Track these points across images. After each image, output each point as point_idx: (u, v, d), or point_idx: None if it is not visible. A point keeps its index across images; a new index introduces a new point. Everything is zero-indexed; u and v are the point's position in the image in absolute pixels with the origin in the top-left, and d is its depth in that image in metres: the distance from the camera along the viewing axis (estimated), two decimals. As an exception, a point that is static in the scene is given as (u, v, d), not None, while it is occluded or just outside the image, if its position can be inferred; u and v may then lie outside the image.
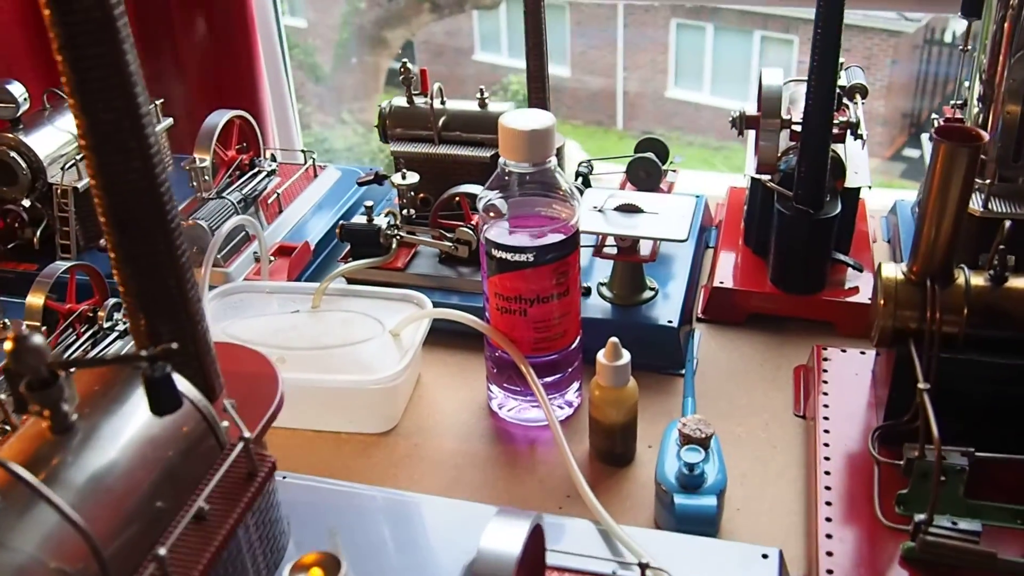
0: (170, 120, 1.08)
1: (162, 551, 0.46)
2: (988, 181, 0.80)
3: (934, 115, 0.90)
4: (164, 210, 0.52)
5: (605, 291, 0.88)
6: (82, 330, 0.82)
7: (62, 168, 0.96)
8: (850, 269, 0.89)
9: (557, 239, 0.71)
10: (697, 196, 1.01)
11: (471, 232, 0.90)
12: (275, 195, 1.03)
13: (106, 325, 0.82)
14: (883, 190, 1.19)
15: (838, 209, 0.84)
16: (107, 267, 0.59)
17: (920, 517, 0.61)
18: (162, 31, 1.26)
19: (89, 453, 0.49)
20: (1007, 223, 0.68)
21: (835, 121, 0.82)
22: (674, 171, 0.98)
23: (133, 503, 0.49)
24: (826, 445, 0.72)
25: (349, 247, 0.93)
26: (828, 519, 0.66)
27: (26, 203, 0.96)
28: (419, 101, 0.98)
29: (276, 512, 0.62)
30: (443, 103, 0.98)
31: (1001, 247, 0.66)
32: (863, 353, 0.81)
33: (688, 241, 0.84)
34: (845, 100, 0.87)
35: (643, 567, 0.58)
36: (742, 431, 0.78)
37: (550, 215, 0.73)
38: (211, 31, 1.24)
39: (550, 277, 0.72)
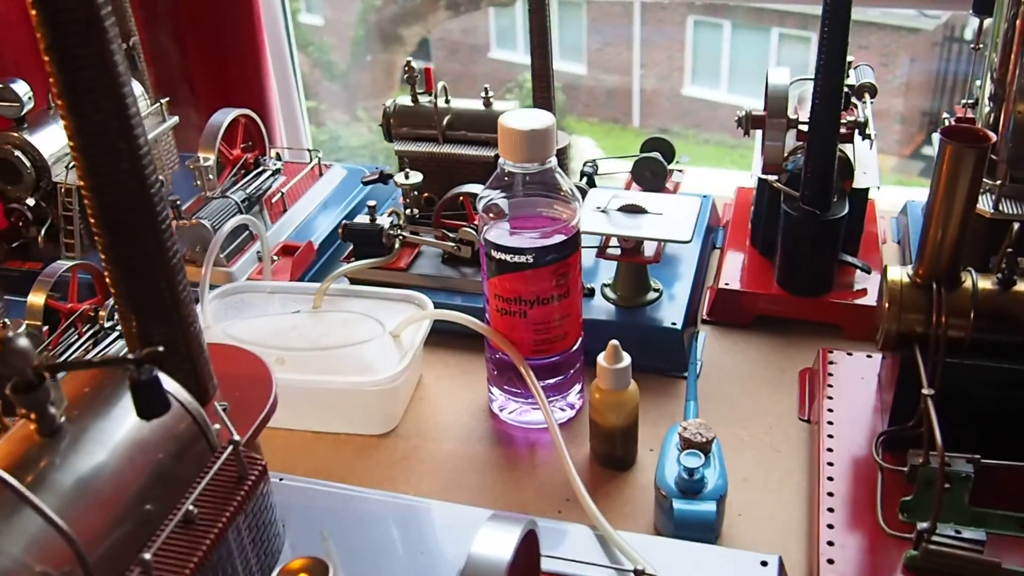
0: (175, 119, 1.08)
1: (147, 555, 0.45)
2: (999, 182, 0.78)
3: (945, 114, 0.88)
4: (154, 211, 0.52)
5: (609, 292, 0.87)
6: (84, 329, 0.82)
7: (66, 167, 0.96)
8: (858, 271, 0.88)
9: (557, 240, 0.71)
10: (704, 196, 1.00)
11: (474, 232, 0.89)
12: (279, 194, 1.03)
13: (107, 325, 0.82)
14: (899, 188, 1.18)
15: (845, 210, 0.83)
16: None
17: (923, 525, 0.60)
18: (169, 29, 1.26)
19: (77, 456, 0.48)
20: (1016, 225, 0.67)
21: (843, 121, 0.81)
22: (680, 171, 0.97)
23: (120, 506, 0.48)
24: (829, 450, 0.71)
25: (352, 247, 0.92)
26: (830, 526, 0.65)
27: (30, 202, 0.96)
28: (424, 100, 0.97)
29: (270, 515, 0.62)
30: (447, 102, 0.97)
31: (1009, 250, 0.65)
32: (869, 357, 0.79)
33: (692, 242, 0.83)
34: (854, 99, 0.85)
35: (638, 574, 0.57)
36: (745, 435, 0.77)
37: (551, 216, 0.72)
38: (218, 29, 1.24)
39: (550, 278, 0.72)
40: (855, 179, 0.86)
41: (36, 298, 0.80)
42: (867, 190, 0.87)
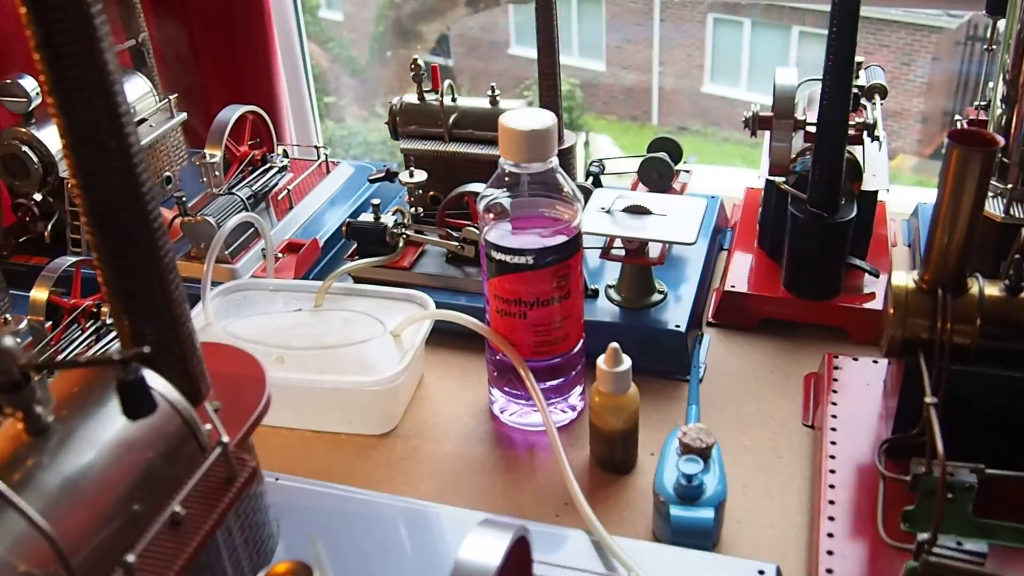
0: (183, 115, 1.08)
1: (131, 557, 0.45)
2: (1010, 186, 0.77)
3: (957, 116, 0.87)
4: (146, 211, 0.52)
5: (613, 293, 0.86)
6: (87, 325, 0.82)
7: (74, 163, 0.96)
8: (867, 274, 0.86)
9: (558, 241, 0.70)
10: (712, 197, 0.99)
11: (478, 232, 0.88)
12: (285, 191, 1.02)
13: (109, 321, 0.82)
14: (918, 189, 1.16)
15: (853, 213, 0.81)
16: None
17: (924, 536, 0.59)
18: (179, 26, 1.26)
19: (64, 455, 0.48)
20: (1025, 230, 0.65)
21: (851, 122, 0.80)
22: (687, 171, 0.96)
23: (107, 506, 0.48)
24: (832, 457, 0.70)
25: (356, 245, 0.92)
26: (830, 535, 0.64)
27: (37, 197, 0.96)
28: (430, 98, 0.97)
29: (263, 515, 0.62)
30: (454, 100, 0.96)
31: (1017, 256, 0.64)
32: (875, 362, 0.78)
33: (696, 244, 0.82)
34: (863, 100, 0.84)
35: (631, 582, 0.57)
36: (748, 440, 0.76)
37: (552, 216, 0.71)
38: (228, 26, 1.24)
39: (550, 280, 0.71)
40: (864, 181, 0.85)
41: (39, 293, 0.80)
42: (876, 192, 0.86)
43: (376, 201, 0.90)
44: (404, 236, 0.90)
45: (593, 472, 0.74)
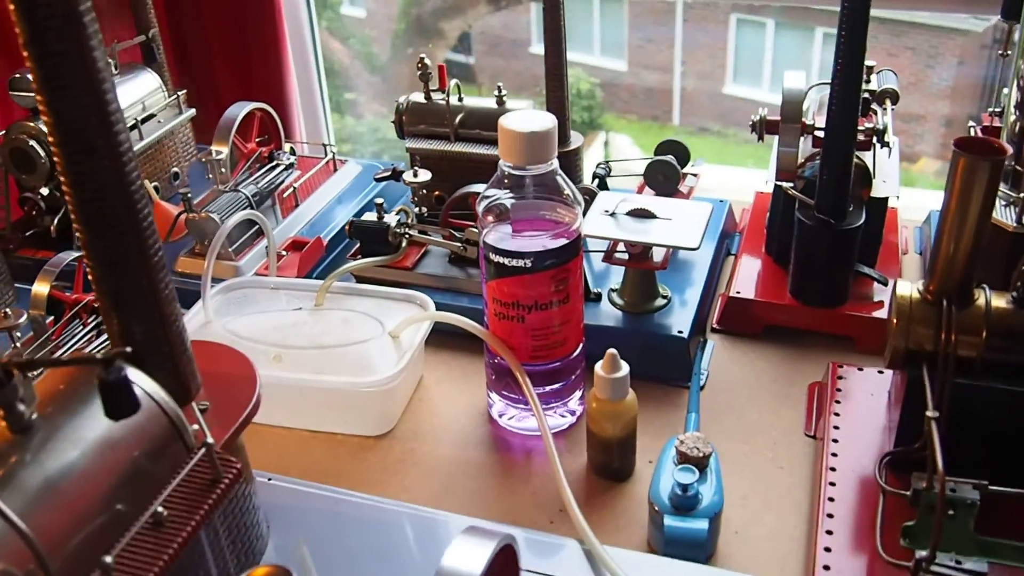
0: (192, 111, 1.08)
1: (108, 558, 0.45)
2: (1023, 195, 0.75)
3: (971, 123, 0.85)
4: (135, 209, 0.51)
5: (615, 298, 0.85)
6: (88, 320, 0.82)
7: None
8: (876, 283, 0.85)
9: (557, 245, 0.69)
10: (720, 201, 0.98)
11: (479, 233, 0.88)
12: (291, 189, 1.02)
13: (110, 317, 0.82)
14: (939, 193, 1.13)
15: (862, 219, 0.80)
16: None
17: (922, 554, 0.58)
18: (191, 22, 1.26)
19: (47, 454, 0.48)
20: (1034, 241, 0.64)
21: (861, 127, 0.78)
22: (694, 175, 0.95)
23: (89, 506, 0.48)
24: (832, 469, 0.69)
25: (358, 244, 0.92)
26: (827, 549, 0.63)
27: (44, 191, 0.97)
28: (437, 97, 0.96)
29: (252, 516, 0.61)
30: (460, 100, 0.96)
31: (1025, 267, 0.62)
32: (881, 372, 0.77)
33: (702, 249, 0.81)
34: (874, 105, 0.82)
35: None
36: (748, 449, 0.75)
37: (552, 219, 0.70)
38: (239, 23, 1.24)
39: (549, 284, 0.70)
40: (874, 187, 0.83)
41: (40, 287, 0.80)
42: (886, 199, 0.84)
43: (379, 200, 0.89)
44: (407, 236, 0.90)
45: (590, 479, 0.73)
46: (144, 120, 1.03)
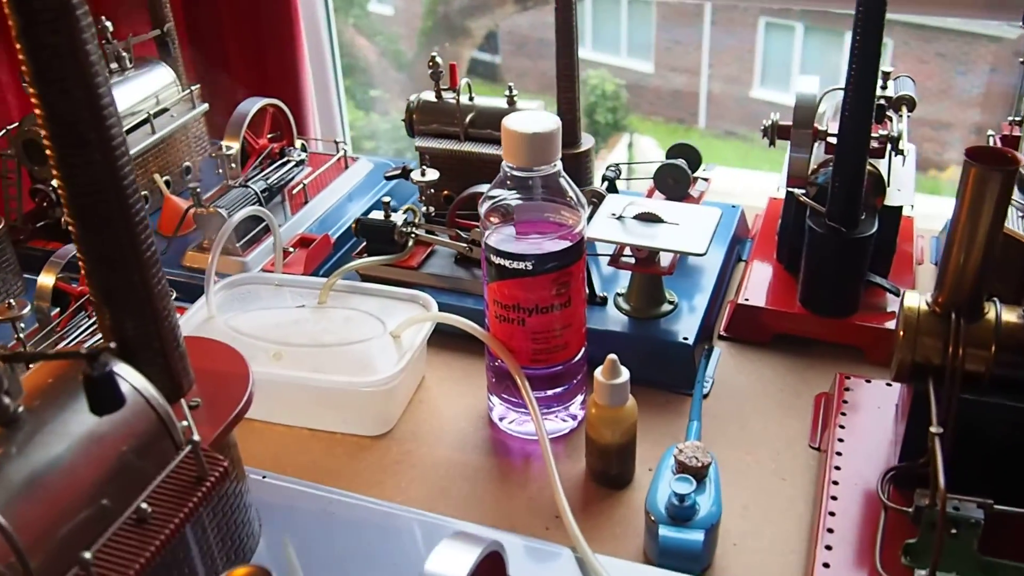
0: (205, 105, 1.08)
1: (87, 554, 0.45)
2: (1039, 206, 0.73)
3: (990, 132, 0.83)
4: (127, 204, 0.51)
5: (621, 302, 0.84)
6: (93, 312, 0.82)
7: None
8: (888, 293, 0.83)
9: (559, 248, 0.68)
10: (732, 206, 0.97)
11: (486, 234, 0.87)
12: (301, 185, 1.02)
13: (114, 310, 0.82)
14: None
15: (873, 228, 0.78)
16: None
17: (921, 573, 0.56)
18: (208, 18, 1.26)
19: (32, 447, 0.48)
20: (1047, 255, 0.62)
21: (875, 134, 0.77)
22: (705, 179, 0.93)
23: (73, 500, 0.48)
24: (835, 483, 0.67)
25: (365, 243, 0.91)
26: (826, 564, 0.61)
27: (55, 183, 0.97)
28: (448, 96, 0.96)
29: (243, 514, 0.61)
30: (471, 99, 0.95)
31: (1038, 281, 0.61)
32: (889, 385, 0.75)
33: (712, 254, 0.80)
34: (890, 112, 0.81)
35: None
36: (750, 460, 0.73)
37: (556, 222, 0.69)
38: (255, 19, 1.24)
39: (550, 287, 0.69)
40: (888, 196, 0.82)
41: (46, 279, 0.80)
42: (900, 208, 0.82)
43: (387, 199, 0.89)
44: (413, 235, 0.89)
45: (588, 486, 0.72)
46: (157, 114, 1.03)
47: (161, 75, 1.05)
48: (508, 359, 0.72)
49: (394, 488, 0.72)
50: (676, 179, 0.90)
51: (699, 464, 0.65)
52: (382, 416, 0.77)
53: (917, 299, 0.63)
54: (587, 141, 0.93)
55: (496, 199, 0.69)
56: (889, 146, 0.79)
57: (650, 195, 0.93)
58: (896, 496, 0.64)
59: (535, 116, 0.67)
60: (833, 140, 0.78)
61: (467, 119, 0.95)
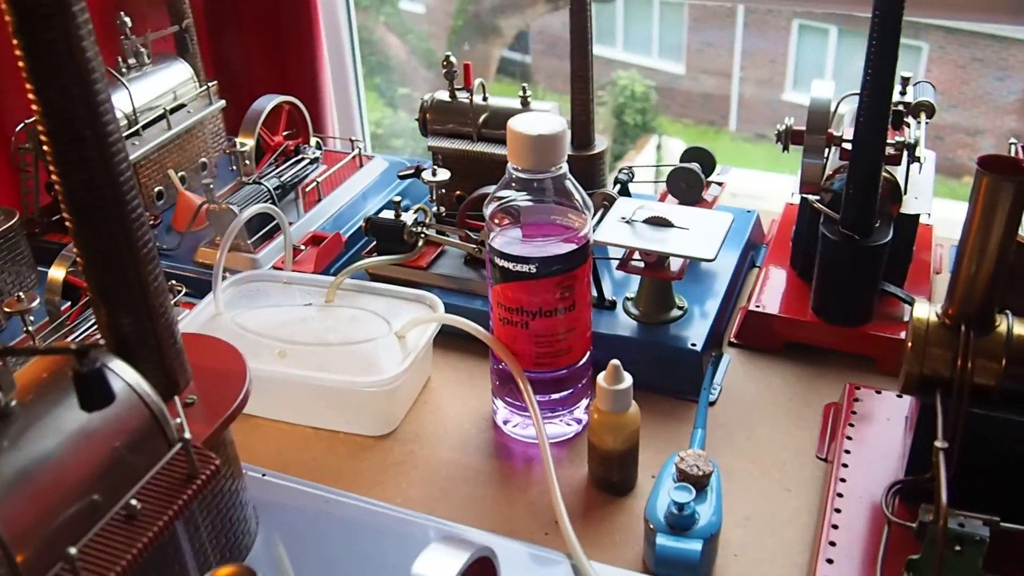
0: (222, 102, 1.09)
1: (72, 550, 0.45)
2: (1060, 217, 0.71)
3: (1011, 140, 0.81)
4: (123, 200, 0.51)
5: (630, 307, 0.83)
6: (103, 307, 0.83)
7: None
8: (903, 302, 0.81)
9: (563, 251, 0.68)
10: (747, 211, 0.95)
11: (496, 235, 0.87)
12: (314, 183, 1.02)
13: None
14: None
15: (888, 236, 0.77)
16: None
17: (922, 590, 0.55)
18: (227, 14, 1.27)
19: (24, 441, 0.48)
20: (1062, 267, 0.61)
21: (891, 141, 0.75)
22: (719, 184, 0.92)
23: (62, 496, 0.48)
24: (840, 495, 0.66)
25: (375, 242, 0.91)
26: (826, 578, 0.60)
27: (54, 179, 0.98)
28: (462, 96, 0.95)
29: (239, 512, 0.61)
30: (485, 99, 0.95)
31: (1051, 294, 0.59)
32: (900, 396, 0.74)
33: (724, 260, 0.79)
34: (908, 118, 0.79)
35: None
36: (755, 469, 0.72)
37: (562, 224, 0.69)
38: (274, 16, 1.24)
39: (554, 290, 0.68)
40: (904, 204, 0.80)
41: (56, 272, 0.81)
42: (917, 216, 0.81)
43: (398, 198, 0.89)
44: (423, 235, 0.89)
45: (589, 492, 0.71)
46: (174, 110, 1.03)
47: (179, 71, 1.06)
48: (511, 362, 0.71)
49: (395, 489, 0.72)
50: (689, 183, 0.88)
51: (700, 473, 0.64)
52: (385, 416, 0.77)
53: (927, 310, 0.62)
54: (600, 143, 0.92)
55: (501, 201, 0.69)
56: (906, 153, 0.77)
57: (663, 199, 0.92)
58: (902, 510, 0.63)
59: (541, 118, 0.66)
60: (848, 146, 0.77)
61: (480, 119, 0.94)
